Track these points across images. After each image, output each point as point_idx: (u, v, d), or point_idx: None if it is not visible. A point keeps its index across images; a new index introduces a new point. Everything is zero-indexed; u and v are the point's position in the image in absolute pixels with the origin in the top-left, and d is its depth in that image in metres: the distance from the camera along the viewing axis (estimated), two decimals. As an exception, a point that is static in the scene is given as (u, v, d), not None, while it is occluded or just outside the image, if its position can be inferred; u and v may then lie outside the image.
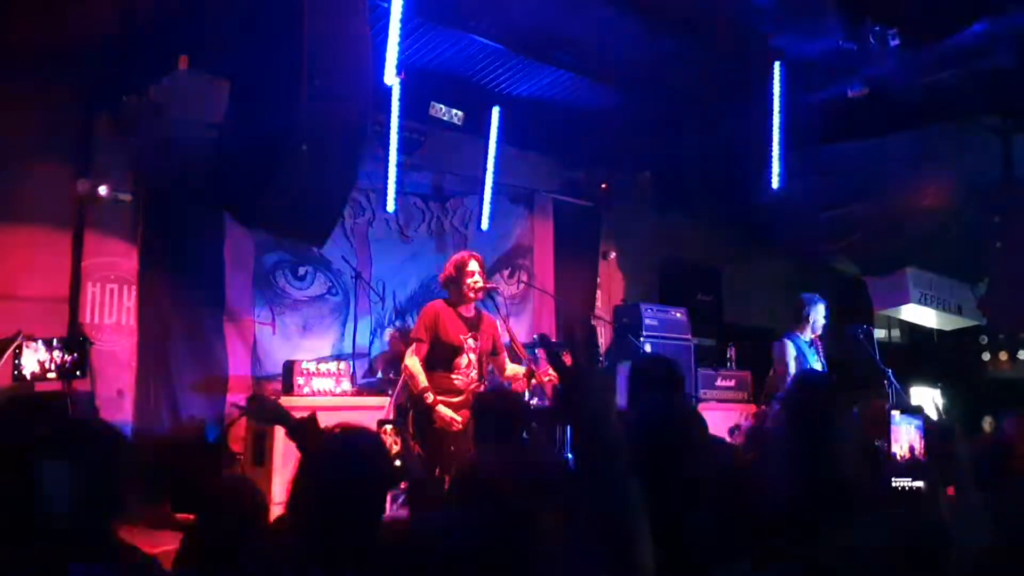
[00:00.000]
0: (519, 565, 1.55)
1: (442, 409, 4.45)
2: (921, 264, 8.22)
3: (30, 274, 5.64)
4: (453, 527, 1.61)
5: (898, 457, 2.02)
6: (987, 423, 7.09)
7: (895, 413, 2.07)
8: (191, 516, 4.70)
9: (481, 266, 4.78)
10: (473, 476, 3.27)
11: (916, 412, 2.05)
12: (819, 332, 5.98)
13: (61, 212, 5.84)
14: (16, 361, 3.37)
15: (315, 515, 1.91)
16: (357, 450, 2.00)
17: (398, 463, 2.44)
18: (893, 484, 2.00)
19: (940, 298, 8.42)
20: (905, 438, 2.03)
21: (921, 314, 8.54)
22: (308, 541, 1.90)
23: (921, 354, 9.28)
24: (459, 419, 4.40)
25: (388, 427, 2.47)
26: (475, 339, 4.69)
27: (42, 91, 5.65)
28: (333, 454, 2.00)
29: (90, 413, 5.26)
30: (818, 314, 5.96)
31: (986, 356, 8.67)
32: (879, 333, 9.29)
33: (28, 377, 3.53)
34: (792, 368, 5.76)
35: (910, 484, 2.00)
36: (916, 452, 2.02)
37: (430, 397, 4.46)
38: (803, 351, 5.84)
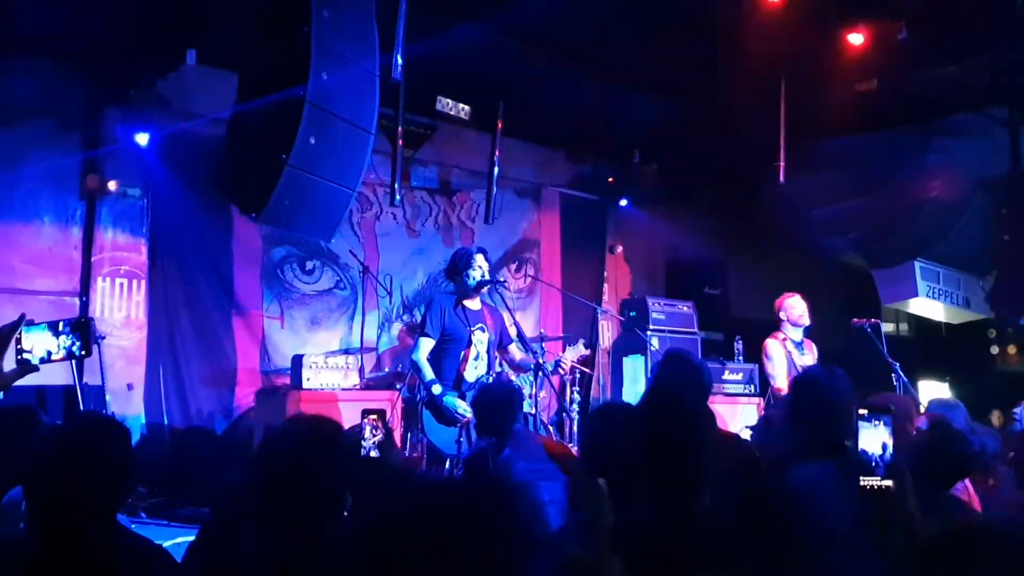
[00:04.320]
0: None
1: (449, 401, 4.47)
2: (929, 257, 8.19)
3: (41, 269, 5.69)
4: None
5: (874, 456, 2.02)
6: (995, 417, 7.07)
7: (862, 412, 2.06)
8: (202, 509, 4.76)
9: (486, 260, 4.79)
10: (482, 464, 3.31)
11: (883, 411, 2.05)
12: (804, 326, 5.84)
13: (71, 207, 5.89)
14: (18, 346, 3.38)
15: (271, 506, 1.90)
16: (307, 439, 1.98)
17: (376, 453, 2.42)
18: (862, 483, 2.00)
19: (948, 291, 8.39)
20: (875, 436, 2.03)
21: (929, 307, 8.51)
22: (270, 531, 1.89)
23: (929, 348, 9.25)
24: (468, 411, 4.42)
25: (372, 416, 2.45)
26: (482, 331, 4.70)
27: (51, 86, 5.69)
28: (283, 443, 1.99)
29: (101, 407, 5.31)
30: (789, 310, 5.82)
31: (995, 349, 8.61)
32: (887, 327, 9.27)
33: (34, 361, 3.55)
34: (776, 368, 5.70)
35: (879, 483, 2.00)
36: (888, 449, 2.02)
37: (438, 389, 4.48)
38: (788, 350, 5.76)
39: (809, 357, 5.88)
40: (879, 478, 1.99)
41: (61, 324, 3.42)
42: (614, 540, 2.03)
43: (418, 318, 6.65)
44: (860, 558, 1.91)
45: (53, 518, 1.86)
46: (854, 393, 2.32)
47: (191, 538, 2.55)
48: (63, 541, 1.85)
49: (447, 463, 4.35)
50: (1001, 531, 1.64)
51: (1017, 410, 3.48)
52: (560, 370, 4.96)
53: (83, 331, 3.44)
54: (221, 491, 2.53)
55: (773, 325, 6.00)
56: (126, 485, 2.00)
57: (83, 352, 3.52)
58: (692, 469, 2.09)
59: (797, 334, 5.84)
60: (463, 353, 4.62)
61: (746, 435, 4.69)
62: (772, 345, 5.78)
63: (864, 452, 2.03)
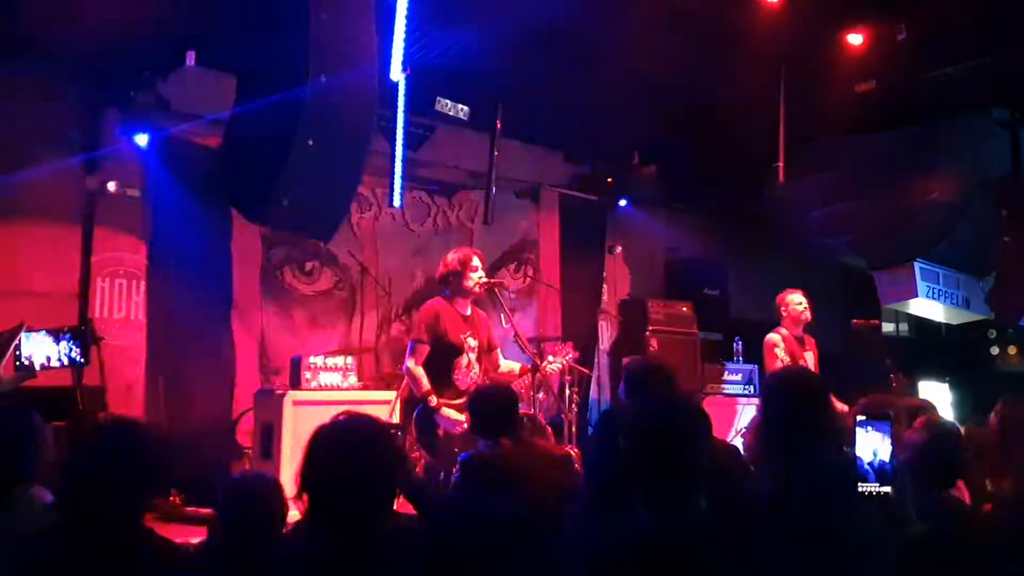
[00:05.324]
0: (531, 551, 1.58)
1: (446, 411, 4.44)
2: (929, 258, 8.19)
3: (40, 270, 5.69)
4: (467, 515, 1.64)
5: (864, 463, 2.02)
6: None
7: (860, 418, 2.06)
8: (203, 510, 4.76)
9: (482, 262, 4.78)
10: (484, 467, 3.31)
11: (882, 417, 2.05)
12: (806, 320, 5.91)
13: (70, 208, 5.89)
14: (17, 352, 3.40)
15: (325, 501, 1.93)
16: (362, 434, 2.01)
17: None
18: (860, 489, 2.00)
19: (948, 292, 8.39)
20: (869, 443, 2.03)
21: (929, 308, 8.50)
22: (322, 529, 1.92)
23: (929, 348, 9.25)
24: (463, 420, 4.38)
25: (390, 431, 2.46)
26: (474, 338, 4.66)
27: (51, 87, 5.69)
28: (339, 439, 2.02)
29: (100, 407, 5.31)
30: (790, 305, 5.88)
31: (994, 350, 8.62)
32: (887, 327, 9.28)
33: (35, 368, 3.58)
34: (777, 366, 5.73)
35: (877, 489, 2.00)
36: (880, 456, 2.01)
37: (434, 400, 4.43)
38: (789, 346, 5.81)
39: (810, 354, 5.93)
40: (876, 484, 2.00)
41: (61, 331, 3.44)
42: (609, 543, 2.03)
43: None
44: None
45: (81, 518, 1.90)
46: (826, 397, 2.32)
47: (189, 539, 2.56)
48: (91, 541, 1.88)
49: (441, 473, 4.33)
50: (994, 531, 1.65)
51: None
52: (550, 371, 4.93)
53: (82, 339, 3.46)
54: (231, 489, 2.55)
55: (775, 325, 6.03)
56: (152, 486, 2.03)
57: (82, 360, 3.55)
58: (688, 471, 2.10)
59: (798, 331, 5.90)
60: (455, 360, 4.58)
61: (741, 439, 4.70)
62: (773, 342, 5.83)
63: (859, 458, 2.03)
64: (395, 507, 2.03)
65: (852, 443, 2.05)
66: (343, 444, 1.96)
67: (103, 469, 1.92)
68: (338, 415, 2.07)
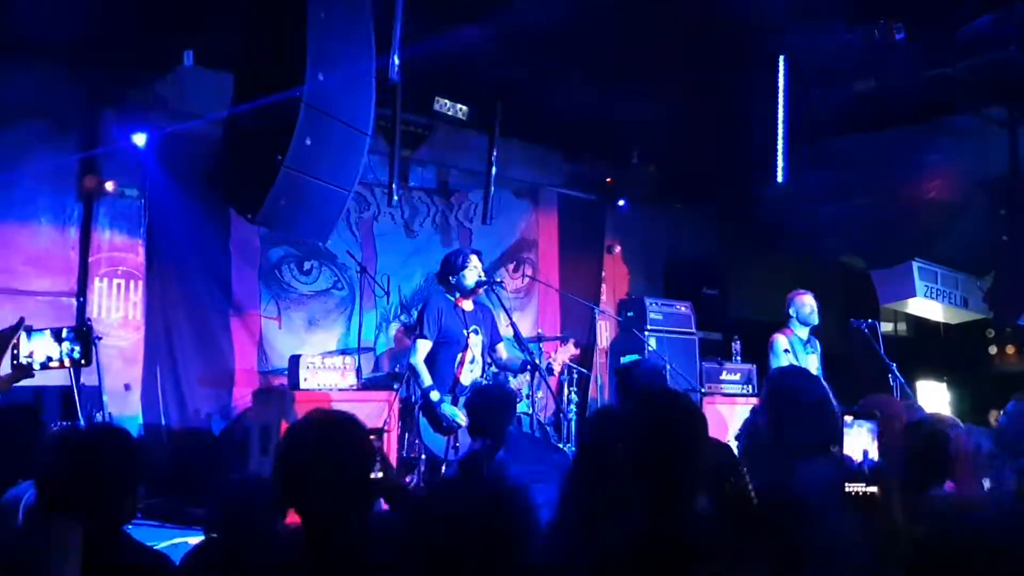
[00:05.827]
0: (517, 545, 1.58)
1: (447, 407, 4.45)
2: (927, 257, 8.19)
3: (38, 269, 5.69)
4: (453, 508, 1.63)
5: (854, 462, 2.02)
6: (993, 417, 7.06)
7: (847, 417, 2.06)
8: (200, 511, 4.75)
9: (480, 262, 4.78)
10: (476, 466, 3.31)
11: (869, 416, 2.05)
12: (812, 324, 5.94)
13: (68, 207, 5.88)
14: (15, 351, 3.39)
15: (295, 496, 1.93)
16: (331, 430, 2.00)
17: (380, 474, 2.42)
18: (847, 489, 2.00)
19: (946, 291, 8.39)
20: (857, 442, 2.03)
21: (927, 307, 8.51)
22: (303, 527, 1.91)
23: (927, 348, 9.25)
24: (463, 416, 4.39)
25: (371, 435, 2.45)
26: (477, 334, 4.68)
27: (49, 87, 5.68)
28: (308, 435, 2.01)
29: (98, 407, 5.30)
30: (800, 308, 5.91)
31: (993, 349, 8.63)
32: (885, 327, 9.26)
33: (35, 367, 3.57)
34: (780, 363, 5.75)
35: (864, 489, 2.00)
36: (869, 456, 2.01)
37: (436, 396, 4.45)
38: (794, 347, 5.83)
39: (814, 356, 5.93)
40: (863, 484, 2.00)
41: (64, 331, 3.42)
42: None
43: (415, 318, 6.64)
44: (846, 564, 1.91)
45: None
46: (823, 398, 2.32)
47: (188, 539, 2.56)
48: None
49: (443, 467, 4.34)
50: (994, 532, 1.64)
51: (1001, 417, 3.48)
52: (551, 372, 4.94)
53: (84, 339, 3.45)
54: (226, 492, 2.55)
55: (774, 324, 6.04)
56: (132, 492, 2.02)
57: (83, 360, 3.54)
58: (684, 471, 2.09)
59: (804, 332, 5.92)
60: (459, 356, 4.60)
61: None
62: (779, 341, 5.84)
63: (848, 458, 2.03)
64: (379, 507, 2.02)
65: (841, 443, 2.05)
66: (312, 440, 1.96)
67: (75, 477, 1.91)
68: (310, 412, 2.06)
